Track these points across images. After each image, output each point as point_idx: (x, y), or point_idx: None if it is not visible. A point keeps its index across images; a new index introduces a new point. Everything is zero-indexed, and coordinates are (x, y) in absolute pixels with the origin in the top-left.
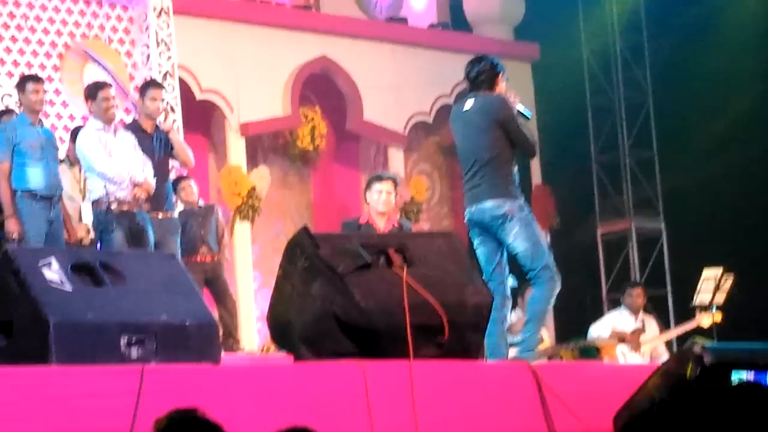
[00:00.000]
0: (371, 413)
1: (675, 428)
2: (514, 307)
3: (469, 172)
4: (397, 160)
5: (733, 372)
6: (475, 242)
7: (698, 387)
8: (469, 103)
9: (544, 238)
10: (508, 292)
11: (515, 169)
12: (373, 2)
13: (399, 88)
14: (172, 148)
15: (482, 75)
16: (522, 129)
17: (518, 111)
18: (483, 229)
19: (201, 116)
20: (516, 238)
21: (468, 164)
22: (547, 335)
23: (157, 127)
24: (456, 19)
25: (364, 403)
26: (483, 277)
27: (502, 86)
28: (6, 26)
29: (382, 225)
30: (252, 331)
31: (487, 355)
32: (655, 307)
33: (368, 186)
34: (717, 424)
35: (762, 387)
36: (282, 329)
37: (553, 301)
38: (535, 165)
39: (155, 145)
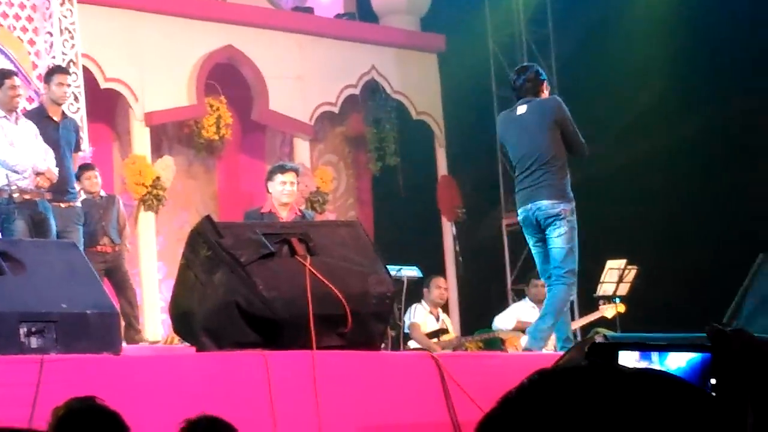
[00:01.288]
0: (274, 403)
1: (524, 414)
2: (419, 299)
3: (525, 172)
4: (302, 150)
5: (620, 352)
6: (531, 242)
7: (551, 371)
8: (522, 108)
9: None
10: None
11: (568, 172)
12: None
13: (305, 78)
14: (77, 140)
15: (528, 83)
16: (576, 130)
17: None
18: (536, 228)
19: (105, 105)
20: (559, 237)
21: (524, 165)
22: (451, 327)
23: (64, 114)
24: (362, 10)
25: (267, 394)
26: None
27: (546, 93)
28: None
29: (284, 215)
30: (156, 322)
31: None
32: None
33: (270, 177)
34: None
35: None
36: (184, 319)
37: (568, 303)
38: (441, 155)
39: (61, 133)
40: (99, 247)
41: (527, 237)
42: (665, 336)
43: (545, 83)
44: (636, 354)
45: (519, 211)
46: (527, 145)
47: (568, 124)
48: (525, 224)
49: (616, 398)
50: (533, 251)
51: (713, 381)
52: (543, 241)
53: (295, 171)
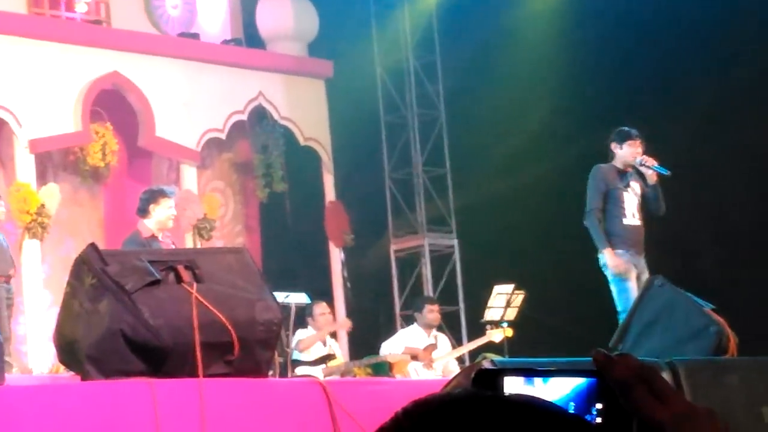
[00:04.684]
0: None
1: None
2: (304, 325)
3: None
4: (190, 176)
5: (505, 378)
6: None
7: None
8: None
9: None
10: None
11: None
12: (164, 17)
13: (192, 104)
14: None
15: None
16: (591, 191)
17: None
18: None
19: None
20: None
21: None
22: (339, 352)
23: None
24: (249, 36)
25: (153, 423)
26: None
27: (619, 152)
28: None
29: (160, 236)
30: (42, 351)
31: None
32: (448, 323)
33: (156, 200)
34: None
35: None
36: (69, 348)
37: None
38: (329, 181)
39: None
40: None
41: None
42: (552, 361)
43: (613, 144)
44: (521, 379)
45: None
46: None
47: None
48: None
49: (491, 429)
50: None
51: (599, 405)
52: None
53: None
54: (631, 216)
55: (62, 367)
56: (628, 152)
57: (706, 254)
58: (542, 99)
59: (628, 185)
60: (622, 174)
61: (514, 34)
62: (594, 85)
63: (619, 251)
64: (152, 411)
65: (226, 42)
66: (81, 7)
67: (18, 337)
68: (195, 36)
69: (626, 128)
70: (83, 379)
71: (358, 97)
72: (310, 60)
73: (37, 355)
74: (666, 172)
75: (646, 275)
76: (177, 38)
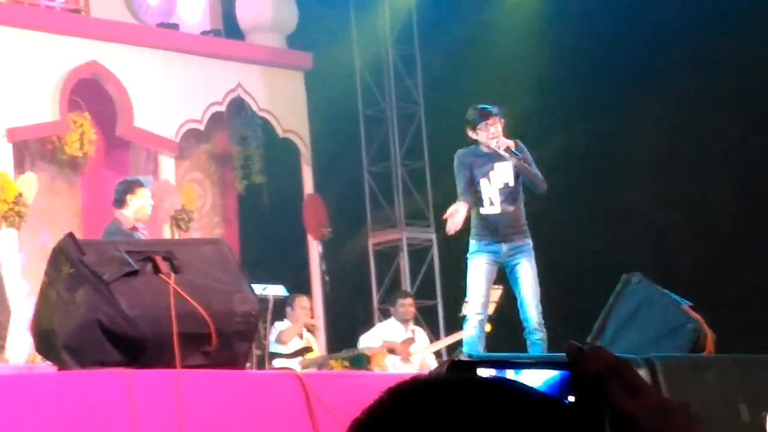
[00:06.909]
0: (136, 423)
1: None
2: (282, 318)
3: None
4: (168, 167)
5: (478, 370)
6: None
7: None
8: None
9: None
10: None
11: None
12: (143, 7)
13: (170, 94)
14: None
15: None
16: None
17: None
18: None
19: None
20: None
21: None
22: (316, 345)
23: None
24: (228, 27)
25: (129, 413)
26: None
27: (477, 138)
28: None
29: (139, 227)
30: (18, 340)
31: None
32: (426, 317)
33: (132, 190)
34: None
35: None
36: (46, 338)
37: None
38: (307, 174)
39: None
40: None
41: None
42: (528, 355)
43: (467, 128)
44: (493, 372)
45: None
46: None
47: None
48: None
49: (468, 407)
50: None
51: (571, 398)
52: None
53: None
54: (488, 204)
55: (39, 357)
56: (483, 136)
57: (684, 251)
58: (521, 93)
59: (491, 169)
60: (484, 158)
61: (493, 27)
62: (574, 79)
63: (472, 242)
64: (129, 401)
65: (205, 33)
66: None
67: None
68: (174, 26)
69: (480, 107)
70: (60, 368)
71: (337, 90)
72: (289, 52)
73: (13, 344)
74: (517, 153)
75: (521, 263)
76: (156, 28)
